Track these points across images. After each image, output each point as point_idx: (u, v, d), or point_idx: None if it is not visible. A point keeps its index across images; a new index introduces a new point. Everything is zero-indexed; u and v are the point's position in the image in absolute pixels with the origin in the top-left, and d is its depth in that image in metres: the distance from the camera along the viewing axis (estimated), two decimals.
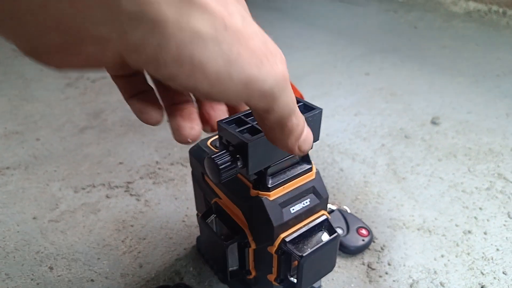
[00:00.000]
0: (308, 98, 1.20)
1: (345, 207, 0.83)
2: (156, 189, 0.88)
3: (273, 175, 0.50)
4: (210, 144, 0.61)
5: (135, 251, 0.73)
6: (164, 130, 1.08)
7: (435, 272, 0.69)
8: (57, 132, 1.10)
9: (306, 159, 0.52)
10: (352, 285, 0.67)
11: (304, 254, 0.49)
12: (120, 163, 0.97)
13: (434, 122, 1.15)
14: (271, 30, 1.93)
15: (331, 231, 0.53)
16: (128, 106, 0.35)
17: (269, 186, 0.49)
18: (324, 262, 0.53)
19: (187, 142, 0.35)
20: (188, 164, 0.96)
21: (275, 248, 0.50)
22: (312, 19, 2.12)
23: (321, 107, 0.46)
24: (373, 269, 0.70)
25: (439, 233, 0.78)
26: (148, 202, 0.84)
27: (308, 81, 1.39)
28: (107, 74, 0.35)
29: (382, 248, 0.74)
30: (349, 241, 0.72)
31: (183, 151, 1.01)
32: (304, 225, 0.52)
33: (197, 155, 0.61)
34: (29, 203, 0.85)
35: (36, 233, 0.78)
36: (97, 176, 0.92)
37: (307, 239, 0.51)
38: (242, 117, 0.45)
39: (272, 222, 0.49)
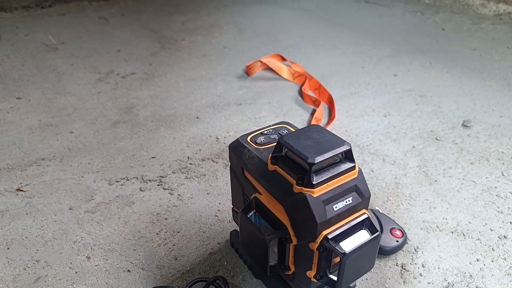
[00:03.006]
0: (336, 98, 1.19)
1: (377, 208, 0.82)
2: (188, 183, 0.89)
3: (317, 172, 0.50)
4: (250, 140, 0.62)
5: (169, 244, 0.74)
6: (194, 126, 1.09)
7: (470, 276, 0.69)
8: (90, 126, 1.12)
9: (349, 157, 0.53)
10: (386, 285, 0.67)
11: (347, 251, 0.49)
12: (153, 157, 0.98)
13: (465, 125, 1.14)
14: (296, 29, 1.93)
15: (372, 230, 0.53)
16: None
17: (314, 183, 0.49)
18: (364, 261, 0.53)
19: None
20: (219, 161, 0.97)
21: (317, 245, 0.50)
22: (337, 19, 2.11)
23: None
24: (407, 271, 0.69)
25: (474, 237, 0.77)
26: (181, 196, 0.86)
27: (336, 80, 1.39)
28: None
29: (415, 250, 0.73)
30: (383, 242, 0.71)
31: (213, 147, 1.02)
32: (346, 223, 0.52)
33: (237, 150, 0.61)
34: (65, 193, 0.88)
35: (73, 223, 0.80)
36: (131, 170, 0.94)
37: (349, 237, 0.52)
38: None
39: (316, 219, 0.49)
